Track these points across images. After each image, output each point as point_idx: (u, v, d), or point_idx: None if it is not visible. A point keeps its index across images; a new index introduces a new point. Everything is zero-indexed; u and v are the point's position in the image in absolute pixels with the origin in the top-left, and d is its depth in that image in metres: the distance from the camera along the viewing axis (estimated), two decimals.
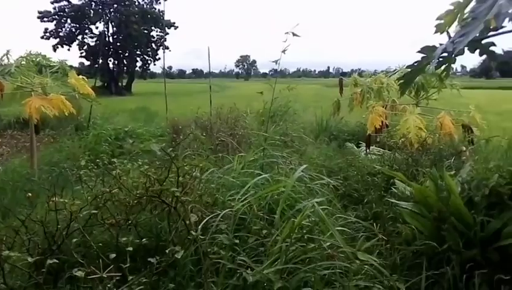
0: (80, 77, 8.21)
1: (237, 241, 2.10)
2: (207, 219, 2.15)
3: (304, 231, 2.16)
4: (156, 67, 51.24)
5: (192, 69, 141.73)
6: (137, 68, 48.55)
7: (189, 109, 10.45)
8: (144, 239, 2.47)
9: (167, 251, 1.97)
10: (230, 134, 7.25)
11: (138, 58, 47.66)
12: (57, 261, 2.29)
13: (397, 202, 3.38)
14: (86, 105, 10.47)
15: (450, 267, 2.50)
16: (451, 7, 2.12)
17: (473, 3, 1.97)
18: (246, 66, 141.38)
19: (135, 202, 2.87)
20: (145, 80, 54.11)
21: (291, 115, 9.64)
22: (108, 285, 1.73)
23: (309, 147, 6.95)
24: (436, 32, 2.23)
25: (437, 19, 2.21)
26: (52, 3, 42.86)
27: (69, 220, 2.50)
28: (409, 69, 2.25)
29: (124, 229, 2.76)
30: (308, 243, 2.08)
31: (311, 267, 1.96)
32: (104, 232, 2.92)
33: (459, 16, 2.13)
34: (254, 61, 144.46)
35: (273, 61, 3.83)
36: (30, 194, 3.01)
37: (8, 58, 8.47)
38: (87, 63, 45.11)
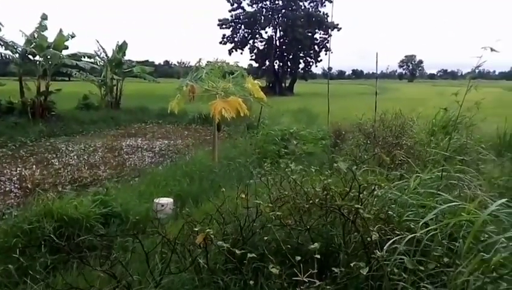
0: (256, 82, 9.14)
1: (421, 267, 2.06)
2: (392, 240, 2.17)
3: (492, 267, 1.99)
4: (316, 69, 52.58)
5: (352, 70, 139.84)
6: (299, 69, 50.61)
7: (349, 112, 10.42)
8: (316, 243, 2.65)
9: (352, 265, 2.08)
10: (395, 144, 6.96)
11: (301, 60, 49.64)
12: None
13: None
14: (255, 106, 11.52)
15: None
16: None
17: None
18: (410, 67, 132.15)
19: (307, 207, 3.11)
20: (306, 81, 56.03)
21: (468, 126, 8.63)
22: (302, 287, 1.94)
23: (488, 165, 6.17)
24: None
25: None
26: (229, 11, 48.20)
27: (254, 217, 2.86)
28: None
29: (297, 231, 3.01)
30: (498, 281, 1.91)
31: None
32: (278, 231, 3.24)
33: None
34: (420, 62, 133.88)
35: (475, 68, 3.47)
36: (224, 189, 3.51)
37: (200, 64, 10.02)
38: (255, 65, 49.18)
